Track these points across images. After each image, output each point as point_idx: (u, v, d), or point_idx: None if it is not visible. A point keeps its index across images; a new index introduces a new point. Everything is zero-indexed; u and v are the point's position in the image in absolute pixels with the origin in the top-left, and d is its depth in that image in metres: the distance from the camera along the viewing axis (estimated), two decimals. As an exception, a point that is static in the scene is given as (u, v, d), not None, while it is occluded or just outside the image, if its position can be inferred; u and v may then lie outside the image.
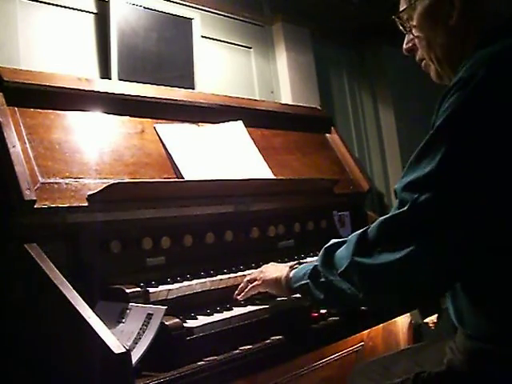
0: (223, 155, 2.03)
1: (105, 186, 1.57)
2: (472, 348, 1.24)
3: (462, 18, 1.29)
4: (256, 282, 1.67)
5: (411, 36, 1.41)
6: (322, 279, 1.37)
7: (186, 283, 1.64)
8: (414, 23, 1.37)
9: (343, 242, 1.34)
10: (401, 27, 1.43)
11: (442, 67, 1.37)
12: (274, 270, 1.66)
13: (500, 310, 1.18)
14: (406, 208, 1.15)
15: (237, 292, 1.70)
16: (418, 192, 1.14)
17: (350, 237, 1.31)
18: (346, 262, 1.27)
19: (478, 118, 1.13)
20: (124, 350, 1.20)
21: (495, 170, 1.12)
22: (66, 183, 1.56)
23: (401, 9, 1.41)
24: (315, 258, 1.97)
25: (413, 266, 1.15)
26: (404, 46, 1.45)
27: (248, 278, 1.71)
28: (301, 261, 1.63)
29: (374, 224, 1.24)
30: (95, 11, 2.15)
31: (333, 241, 1.40)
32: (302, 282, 1.46)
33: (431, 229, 1.13)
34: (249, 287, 1.67)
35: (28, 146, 1.55)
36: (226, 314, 1.54)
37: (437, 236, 1.13)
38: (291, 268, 1.58)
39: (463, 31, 1.30)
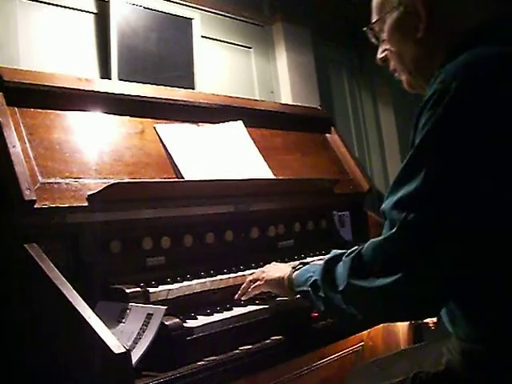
0: (223, 155, 2.03)
1: (105, 186, 1.57)
2: (468, 349, 1.24)
3: (429, 30, 1.29)
4: (258, 282, 1.66)
5: (384, 47, 1.42)
6: (322, 294, 1.36)
7: (185, 283, 1.64)
8: (385, 36, 1.38)
9: (343, 254, 1.33)
10: (373, 39, 1.45)
11: (415, 78, 1.38)
12: (276, 269, 1.66)
13: (491, 316, 1.18)
14: (395, 229, 1.14)
15: (239, 293, 1.69)
16: (405, 211, 1.13)
17: (345, 255, 1.30)
18: (343, 284, 1.26)
19: (456, 132, 1.13)
20: (124, 350, 1.19)
21: (478, 183, 1.11)
22: (66, 183, 1.56)
23: (372, 21, 1.42)
24: (316, 258, 1.98)
25: (408, 287, 1.15)
26: (378, 55, 1.46)
27: (250, 277, 1.71)
28: (303, 261, 1.62)
29: (367, 245, 1.23)
30: (95, 11, 2.15)
31: (333, 252, 1.39)
32: (304, 289, 1.45)
33: (422, 248, 1.12)
34: (251, 287, 1.67)
35: (28, 145, 1.55)
36: (226, 314, 1.54)
37: (428, 255, 1.12)
38: (294, 269, 1.57)
39: (431, 43, 1.30)
